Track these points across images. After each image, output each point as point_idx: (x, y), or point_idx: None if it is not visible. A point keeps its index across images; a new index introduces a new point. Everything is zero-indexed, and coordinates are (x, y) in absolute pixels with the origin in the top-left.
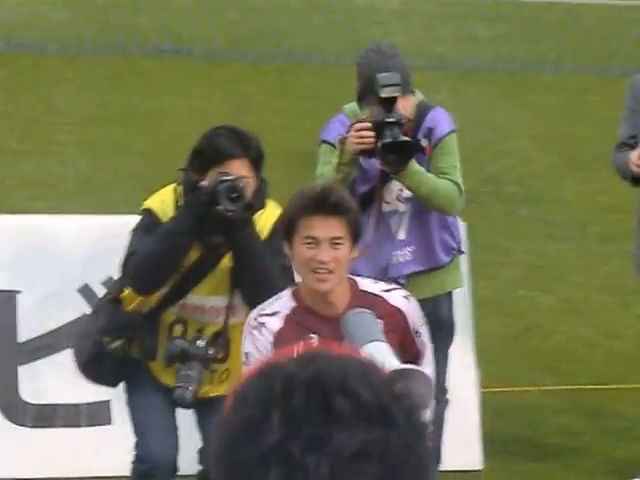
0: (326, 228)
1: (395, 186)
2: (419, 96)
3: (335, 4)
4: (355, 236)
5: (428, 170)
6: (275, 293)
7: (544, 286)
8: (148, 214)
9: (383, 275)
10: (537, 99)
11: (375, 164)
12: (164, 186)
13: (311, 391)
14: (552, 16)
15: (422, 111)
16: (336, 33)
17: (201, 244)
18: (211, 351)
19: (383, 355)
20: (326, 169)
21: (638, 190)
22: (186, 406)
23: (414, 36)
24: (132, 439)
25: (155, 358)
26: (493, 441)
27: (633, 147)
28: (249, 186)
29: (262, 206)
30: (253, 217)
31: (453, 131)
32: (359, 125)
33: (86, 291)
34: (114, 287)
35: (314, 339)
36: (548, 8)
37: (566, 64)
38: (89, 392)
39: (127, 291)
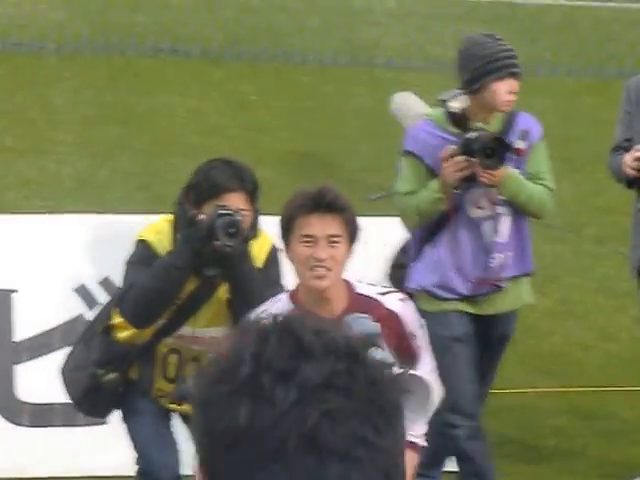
0: (323, 226)
1: (484, 190)
2: None
3: (332, 5)
4: (352, 235)
5: (524, 171)
6: None
7: (540, 288)
8: (143, 246)
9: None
10: (533, 101)
11: None
12: (162, 184)
13: (283, 332)
14: (548, 18)
15: (512, 113)
16: (333, 33)
17: (196, 276)
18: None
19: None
20: (420, 198)
21: (633, 192)
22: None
23: (411, 37)
24: (129, 439)
25: (152, 390)
26: (489, 442)
27: (628, 150)
28: (246, 219)
29: (256, 237)
30: (249, 249)
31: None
32: (449, 153)
33: (82, 291)
34: (103, 315)
35: None
36: (544, 10)
37: (562, 66)
38: None
39: (117, 319)
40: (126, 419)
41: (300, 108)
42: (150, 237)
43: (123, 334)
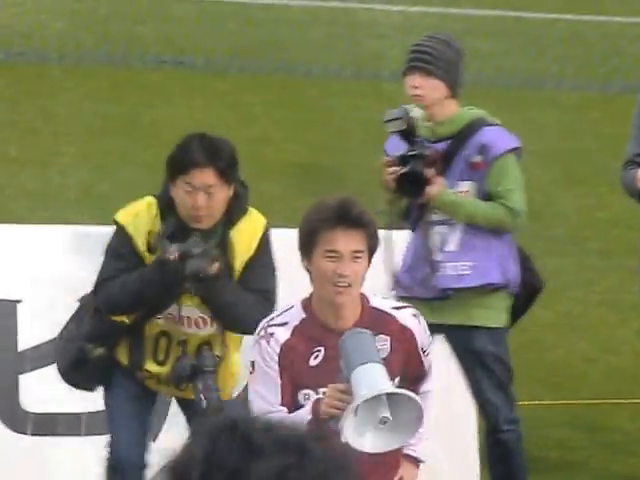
0: (348, 241)
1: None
2: (477, 111)
3: (336, 17)
4: (373, 250)
5: (483, 185)
6: (246, 323)
7: (543, 301)
8: (117, 233)
9: (421, 286)
10: (538, 115)
11: None
12: None
13: (233, 432)
14: (554, 32)
15: (476, 126)
16: (337, 46)
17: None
18: (219, 356)
19: (375, 377)
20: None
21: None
22: (220, 410)
23: None
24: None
25: (141, 372)
26: None
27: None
28: (219, 196)
29: (242, 213)
30: (221, 272)
31: (512, 150)
32: (386, 160)
33: None
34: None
35: (321, 352)
36: (550, 24)
37: (567, 80)
38: (90, 401)
39: None
40: (107, 400)
41: (304, 120)
42: (127, 221)
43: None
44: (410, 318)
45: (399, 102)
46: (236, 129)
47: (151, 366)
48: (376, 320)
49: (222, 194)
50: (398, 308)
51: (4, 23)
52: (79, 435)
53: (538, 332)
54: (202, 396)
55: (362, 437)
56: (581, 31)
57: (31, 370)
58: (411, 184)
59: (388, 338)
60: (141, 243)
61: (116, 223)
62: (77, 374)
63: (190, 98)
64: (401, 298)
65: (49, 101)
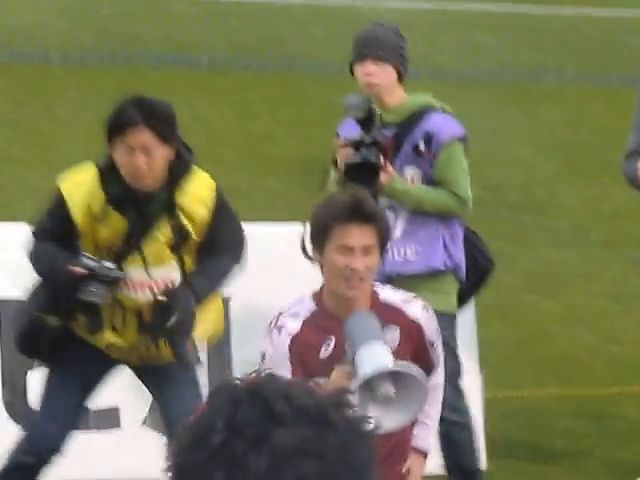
0: (361, 236)
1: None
2: (424, 98)
3: (337, 14)
4: (383, 244)
5: (428, 172)
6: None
7: (547, 292)
8: (57, 199)
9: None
10: (539, 108)
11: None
12: None
13: (254, 399)
14: (554, 26)
15: (423, 112)
16: (338, 43)
17: (123, 221)
18: (119, 275)
19: (377, 355)
20: (330, 182)
21: None
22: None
23: (417, 46)
24: (140, 444)
25: (101, 341)
26: (497, 444)
27: None
28: (158, 158)
29: (186, 174)
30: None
31: (458, 138)
32: (342, 142)
33: None
34: None
35: (331, 342)
36: (550, 18)
37: (567, 73)
38: (97, 397)
39: None
40: (49, 376)
41: (305, 117)
42: (67, 189)
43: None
44: (419, 310)
45: None
46: (238, 126)
47: (109, 336)
48: (386, 313)
49: (160, 154)
50: (408, 301)
51: (7, 24)
52: (86, 430)
53: (543, 323)
54: (182, 351)
55: (365, 406)
56: (580, 25)
57: (39, 367)
58: (363, 173)
59: (398, 329)
60: (79, 214)
61: (57, 186)
62: (31, 344)
63: (192, 96)
64: None
65: (52, 101)
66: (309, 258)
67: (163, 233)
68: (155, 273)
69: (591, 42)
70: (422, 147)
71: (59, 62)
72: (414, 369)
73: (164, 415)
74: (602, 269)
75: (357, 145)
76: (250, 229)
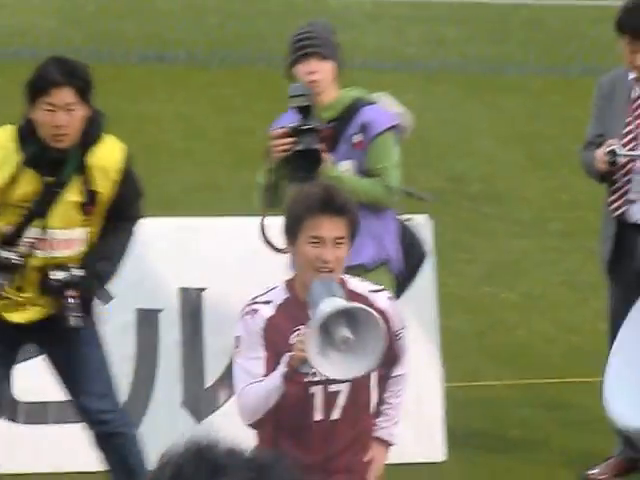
0: (332, 228)
1: None
2: (358, 91)
3: (311, 7)
4: (353, 235)
5: (362, 163)
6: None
7: (507, 282)
8: None
9: None
10: (501, 99)
11: None
12: (149, 188)
13: (199, 456)
14: (517, 18)
15: (357, 106)
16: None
17: (37, 180)
18: (19, 262)
19: (335, 300)
20: (260, 175)
21: (600, 187)
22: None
23: (385, 38)
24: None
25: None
26: (456, 434)
27: (600, 146)
28: (77, 114)
29: (98, 137)
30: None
31: (390, 128)
32: (278, 132)
33: None
34: None
35: (301, 330)
36: (513, 10)
37: (530, 65)
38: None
39: None
40: None
41: (282, 110)
42: None
43: None
44: (386, 301)
45: (370, 90)
46: (217, 121)
47: (11, 292)
48: (354, 301)
49: (81, 113)
50: (375, 291)
51: None
52: (69, 423)
53: (502, 313)
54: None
55: (326, 358)
56: (543, 16)
57: (22, 360)
58: (305, 160)
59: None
60: None
61: None
62: None
63: (172, 92)
64: None
65: None
66: (272, 248)
67: (74, 194)
68: (61, 235)
69: (553, 34)
70: (358, 139)
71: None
72: (371, 310)
73: (73, 382)
74: (561, 259)
75: (298, 132)
76: (228, 222)
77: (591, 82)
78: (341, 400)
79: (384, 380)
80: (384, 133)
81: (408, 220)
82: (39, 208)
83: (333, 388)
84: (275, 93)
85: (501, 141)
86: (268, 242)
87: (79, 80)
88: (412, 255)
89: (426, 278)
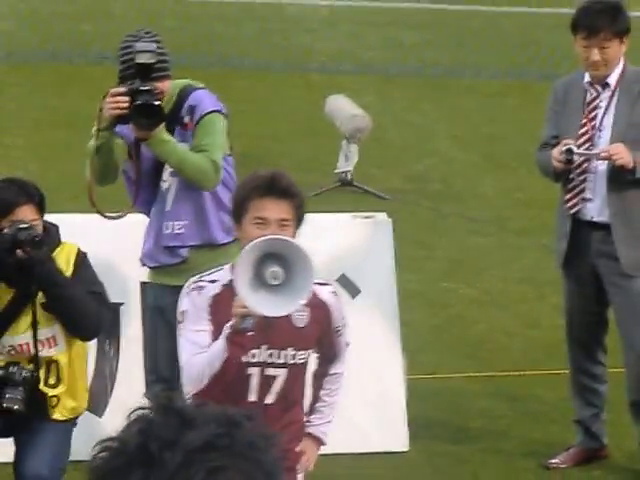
0: (276, 210)
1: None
2: (185, 80)
3: (267, 12)
4: (299, 219)
5: (190, 145)
6: (93, 322)
7: (466, 279)
8: None
9: (157, 246)
10: (459, 102)
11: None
12: (107, 186)
13: (167, 409)
14: (473, 23)
15: (186, 91)
16: (268, 40)
17: (11, 287)
18: (28, 374)
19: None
20: (91, 141)
21: (555, 187)
22: (17, 411)
23: (343, 43)
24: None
25: None
26: (418, 424)
27: (555, 147)
28: (39, 228)
29: (56, 245)
30: (51, 255)
31: (217, 111)
32: (114, 90)
33: None
34: None
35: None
36: (470, 16)
37: (486, 69)
38: None
39: None
40: None
41: (237, 111)
42: None
43: None
44: (328, 294)
45: (327, 93)
46: None
47: None
48: None
49: (41, 227)
50: (319, 284)
51: None
52: None
53: (461, 308)
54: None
55: (257, 294)
56: (499, 22)
57: None
58: (145, 117)
59: (307, 309)
60: None
61: None
62: None
63: None
64: (152, 269)
65: None
66: (101, 215)
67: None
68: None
69: (509, 39)
70: (187, 120)
71: (3, 60)
72: (296, 241)
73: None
74: (518, 256)
75: (135, 92)
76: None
77: (547, 87)
78: (277, 385)
79: (321, 377)
80: (210, 114)
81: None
82: (10, 315)
83: (270, 372)
84: (229, 94)
85: (459, 142)
86: (95, 206)
87: (37, 196)
88: None
89: (387, 274)
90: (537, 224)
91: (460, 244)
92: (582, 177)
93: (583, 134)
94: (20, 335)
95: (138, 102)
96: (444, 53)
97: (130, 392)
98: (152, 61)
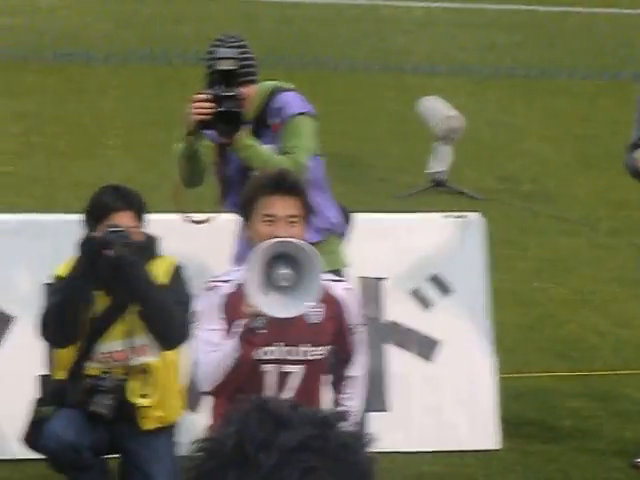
0: (284, 206)
1: None
2: (272, 82)
3: (362, 14)
4: (307, 217)
5: (278, 146)
6: (178, 331)
7: (557, 278)
8: (57, 281)
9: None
10: (552, 102)
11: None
12: (203, 185)
13: (263, 410)
14: (567, 24)
15: (273, 93)
16: (363, 41)
17: (108, 294)
18: (118, 382)
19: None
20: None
21: None
22: (106, 414)
23: (437, 44)
24: None
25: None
26: (509, 423)
27: None
28: (136, 235)
29: (152, 256)
30: (143, 262)
31: (303, 113)
32: (198, 96)
33: None
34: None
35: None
36: (563, 16)
37: (580, 70)
38: None
39: (54, 357)
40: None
41: (333, 112)
42: (63, 273)
43: (59, 374)
44: (341, 290)
45: (422, 94)
46: None
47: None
48: None
49: (139, 235)
50: (334, 281)
51: (53, 26)
52: None
53: (553, 308)
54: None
55: (267, 295)
56: (593, 23)
57: None
58: (226, 123)
59: (323, 305)
60: None
61: (54, 276)
62: (36, 437)
63: None
64: None
65: (95, 98)
66: (186, 218)
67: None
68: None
69: (603, 39)
70: (274, 122)
71: (101, 61)
72: (303, 243)
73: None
74: (610, 256)
75: (219, 98)
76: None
77: None
78: (294, 382)
79: (339, 382)
80: (297, 116)
81: None
82: (104, 323)
83: (287, 369)
84: (326, 95)
85: (551, 142)
86: (180, 209)
87: (136, 204)
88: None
89: (479, 274)
90: (629, 224)
91: (552, 244)
92: None
93: None
94: (114, 342)
95: (220, 109)
96: (537, 54)
97: None
98: (233, 67)
